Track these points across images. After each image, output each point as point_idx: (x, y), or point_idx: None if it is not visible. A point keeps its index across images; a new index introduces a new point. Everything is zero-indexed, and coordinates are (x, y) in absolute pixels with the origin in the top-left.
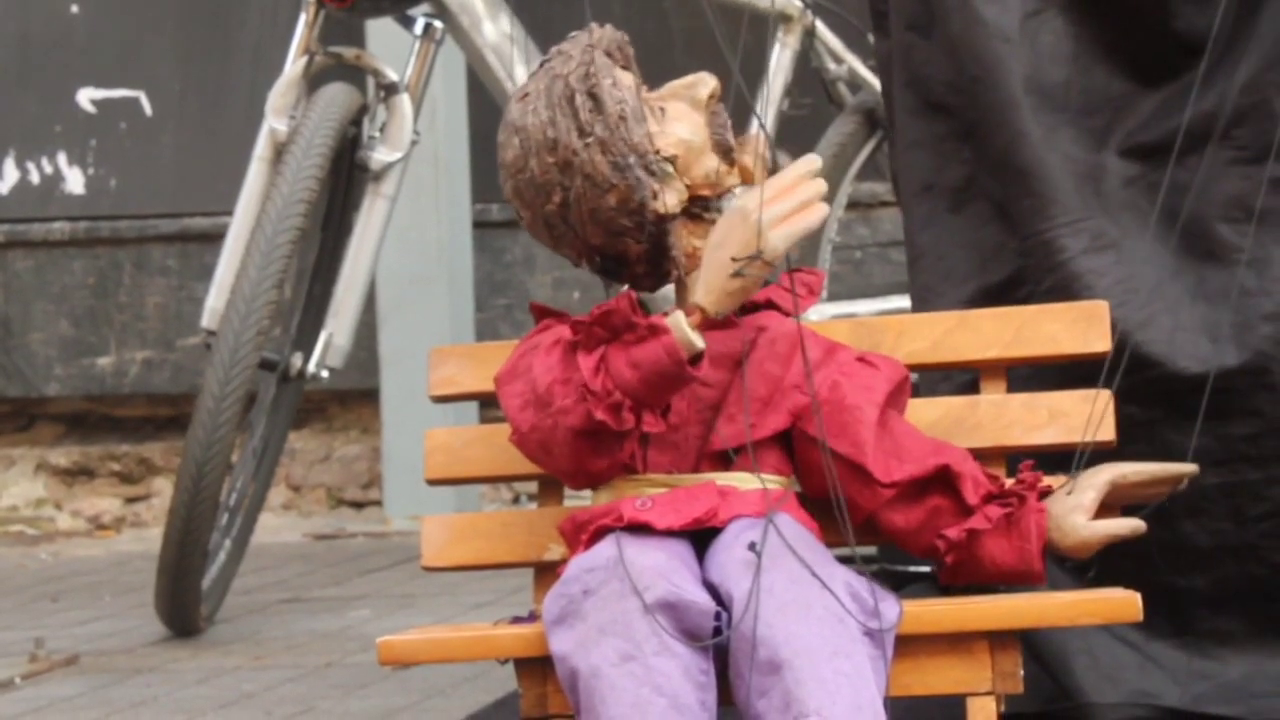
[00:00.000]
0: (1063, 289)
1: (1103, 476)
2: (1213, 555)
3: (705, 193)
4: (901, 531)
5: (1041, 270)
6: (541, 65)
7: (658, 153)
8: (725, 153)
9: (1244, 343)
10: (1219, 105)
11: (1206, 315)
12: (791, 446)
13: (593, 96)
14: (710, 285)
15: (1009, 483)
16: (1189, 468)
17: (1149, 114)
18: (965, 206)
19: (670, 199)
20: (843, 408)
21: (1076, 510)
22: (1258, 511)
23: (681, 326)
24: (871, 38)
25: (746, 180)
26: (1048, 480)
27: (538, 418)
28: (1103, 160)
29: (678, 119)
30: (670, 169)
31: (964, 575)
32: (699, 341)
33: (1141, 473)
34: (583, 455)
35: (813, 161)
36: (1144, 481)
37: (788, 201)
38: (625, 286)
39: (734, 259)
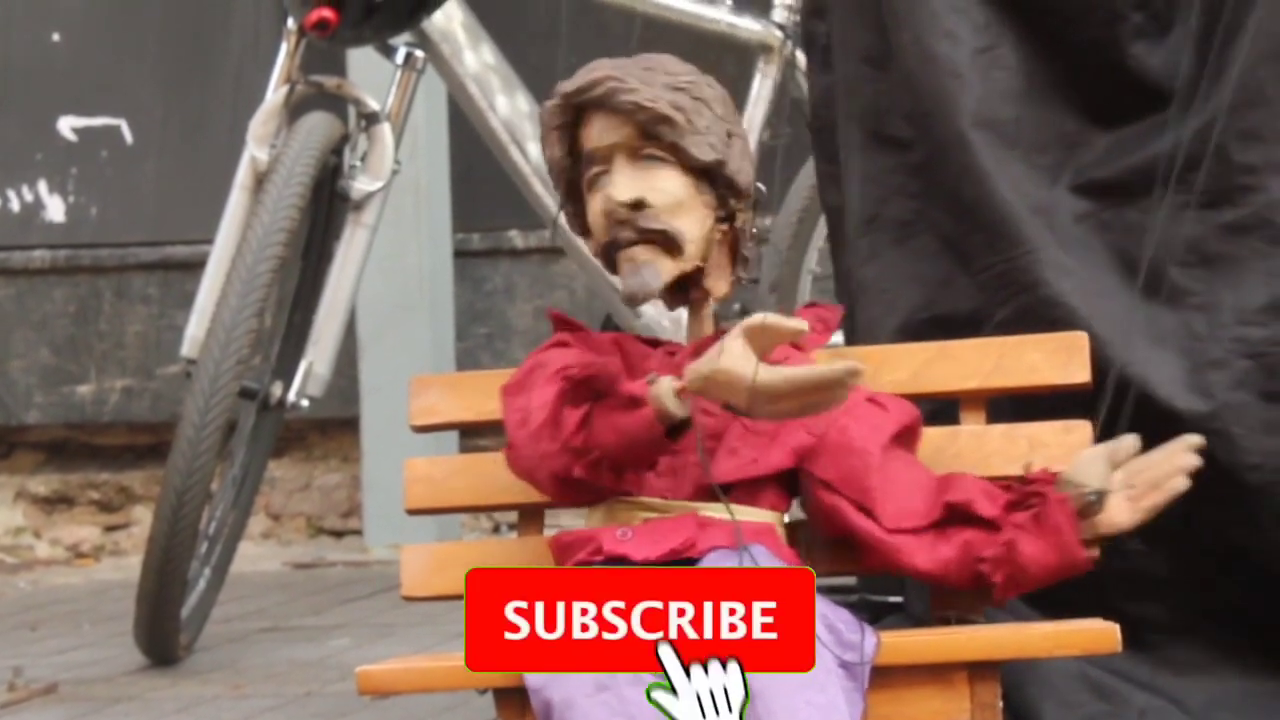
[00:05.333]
0: (1015, 321)
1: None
2: (1170, 583)
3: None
4: (937, 574)
5: (994, 304)
6: (646, 68)
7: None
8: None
9: (1194, 386)
10: (1175, 148)
11: (1157, 356)
12: (795, 483)
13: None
14: (694, 377)
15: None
16: (1193, 439)
17: (1102, 152)
18: (910, 240)
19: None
20: (850, 451)
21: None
22: (1212, 546)
23: (661, 399)
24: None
25: None
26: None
27: (528, 446)
28: (1054, 197)
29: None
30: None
31: (1014, 589)
32: (680, 412)
33: (1149, 458)
34: (565, 493)
35: (855, 372)
36: (1156, 464)
37: (804, 402)
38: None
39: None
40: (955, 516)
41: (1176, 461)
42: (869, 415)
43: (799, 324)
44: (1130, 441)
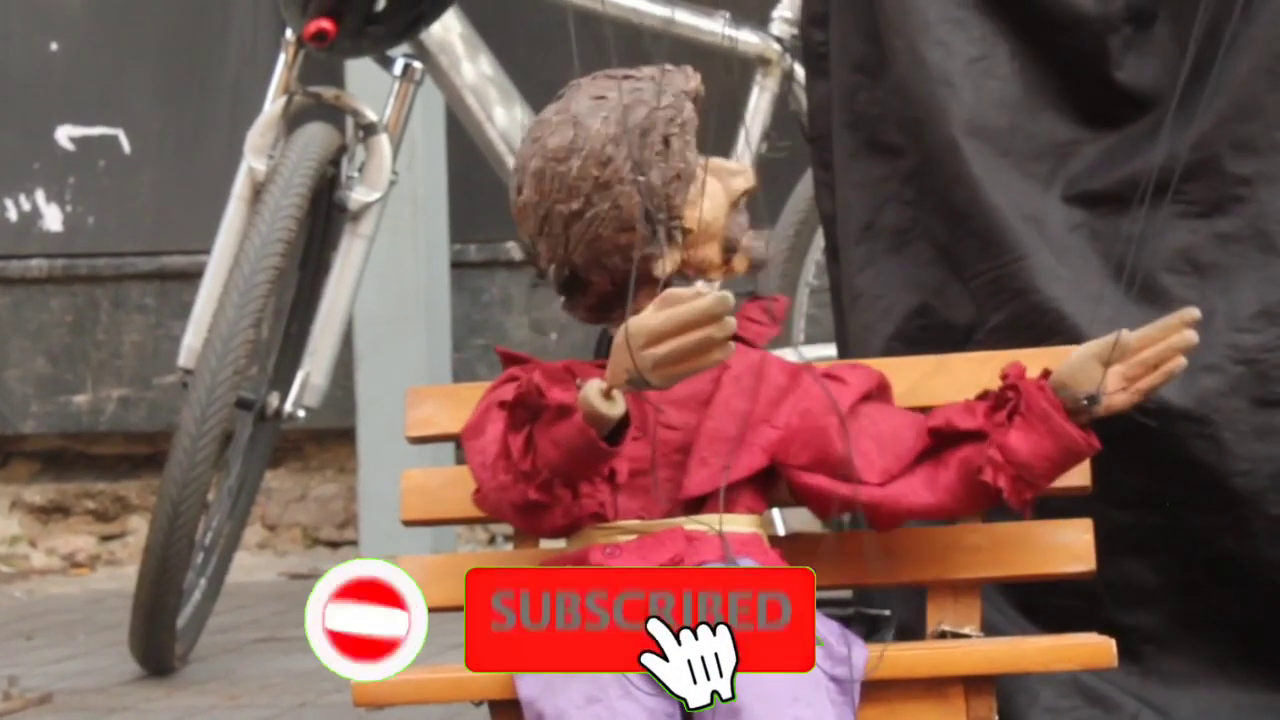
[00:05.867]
0: (1008, 327)
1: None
2: (1159, 592)
3: (689, 272)
4: (947, 503)
5: (987, 310)
6: (624, 77)
7: (679, 219)
8: (727, 250)
9: (1187, 392)
10: (1169, 158)
11: None
12: (768, 482)
13: (666, 143)
14: (610, 372)
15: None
16: (1190, 314)
17: (1094, 162)
18: (906, 247)
19: (668, 266)
20: (814, 431)
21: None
22: (1202, 555)
23: (589, 400)
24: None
25: (732, 275)
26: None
27: (489, 483)
28: (1047, 206)
29: (709, 197)
30: (681, 240)
31: (1026, 489)
32: (612, 411)
33: (1145, 337)
34: (532, 522)
35: (725, 300)
36: (1151, 341)
37: (681, 341)
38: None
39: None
40: (942, 441)
41: (1174, 341)
42: (826, 393)
43: (698, 293)
44: (1124, 338)
